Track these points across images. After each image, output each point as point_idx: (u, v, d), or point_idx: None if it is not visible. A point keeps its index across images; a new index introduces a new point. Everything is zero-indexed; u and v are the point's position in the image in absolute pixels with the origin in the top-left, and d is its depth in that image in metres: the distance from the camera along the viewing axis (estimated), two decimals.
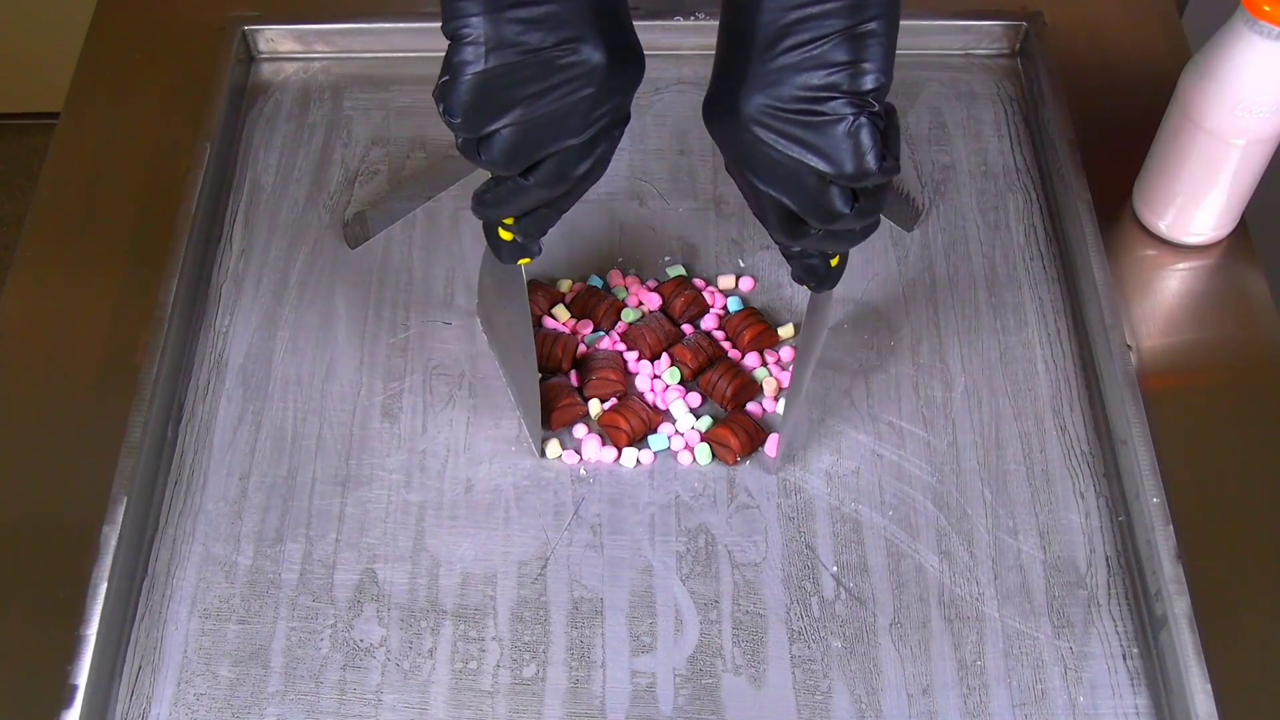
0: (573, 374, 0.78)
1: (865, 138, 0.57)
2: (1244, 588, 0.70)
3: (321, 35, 0.92)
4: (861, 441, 0.76)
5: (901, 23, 0.90)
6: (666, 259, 0.83)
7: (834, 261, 0.68)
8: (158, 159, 0.86)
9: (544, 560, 0.72)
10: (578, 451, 0.75)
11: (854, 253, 0.83)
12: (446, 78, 0.58)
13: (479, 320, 0.78)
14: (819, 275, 0.68)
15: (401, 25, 0.92)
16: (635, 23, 0.92)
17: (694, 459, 0.75)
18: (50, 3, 1.77)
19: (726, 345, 0.79)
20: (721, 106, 0.60)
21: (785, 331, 0.80)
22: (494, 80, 0.58)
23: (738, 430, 0.74)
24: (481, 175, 0.65)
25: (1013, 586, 0.71)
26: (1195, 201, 0.79)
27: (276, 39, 0.93)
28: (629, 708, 0.67)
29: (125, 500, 0.71)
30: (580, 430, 0.76)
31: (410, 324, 0.81)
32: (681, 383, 0.78)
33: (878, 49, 0.57)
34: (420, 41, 0.92)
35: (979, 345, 0.80)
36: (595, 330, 0.79)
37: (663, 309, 0.80)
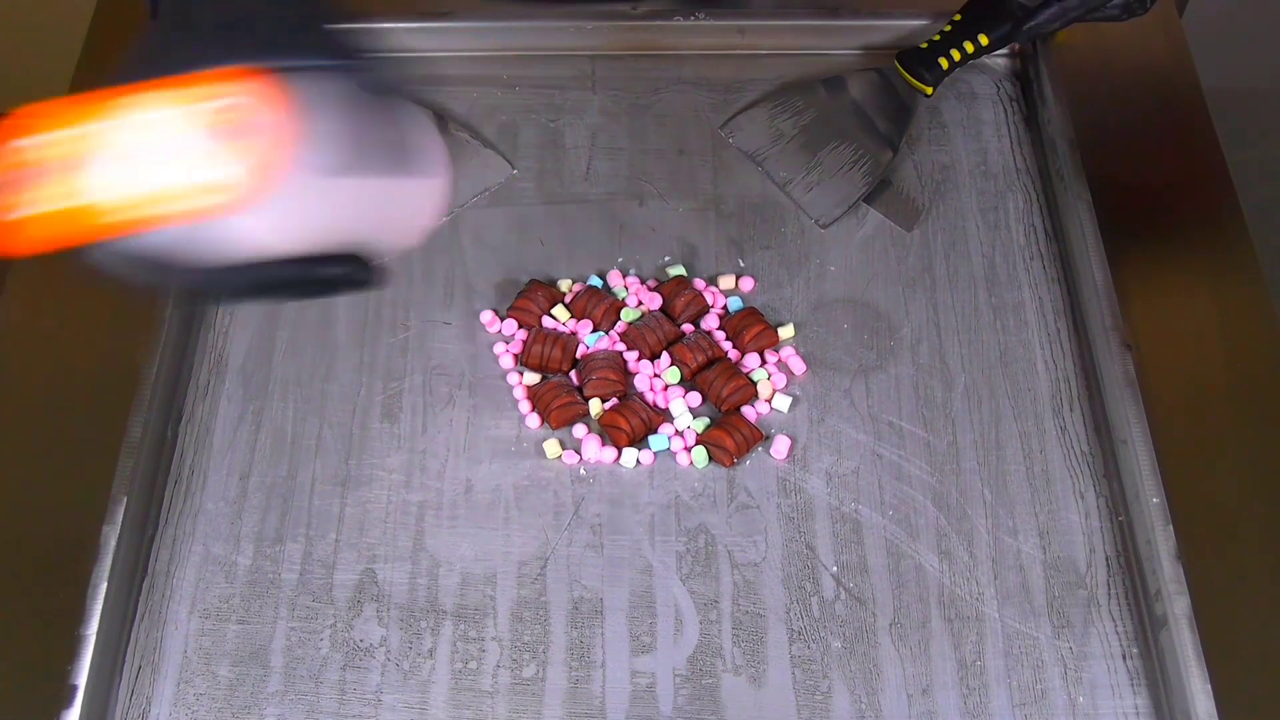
0: (573, 374, 0.78)
1: None
2: (1244, 588, 0.70)
3: None
4: (861, 441, 0.76)
5: (901, 23, 0.92)
6: (666, 259, 0.83)
7: None
8: None
9: (544, 560, 0.72)
10: (578, 451, 0.75)
11: (854, 252, 0.84)
12: None
13: None
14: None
15: (400, 25, 0.92)
16: (635, 23, 0.92)
17: (691, 461, 0.75)
18: (50, 3, 1.77)
19: (726, 345, 0.79)
20: None
21: (785, 332, 0.80)
22: None
23: (733, 432, 0.74)
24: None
25: (1013, 586, 0.71)
26: None
27: None
28: (629, 708, 0.67)
29: (125, 500, 0.71)
30: (580, 430, 0.76)
31: (410, 324, 0.81)
32: (681, 382, 0.78)
33: None
34: (419, 41, 0.92)
35: (979, 345, 0.80)
36: (595, 330, 0.79)
37: (663, 309, 0.80)
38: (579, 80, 0.92)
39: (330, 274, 0.54)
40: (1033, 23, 0.85)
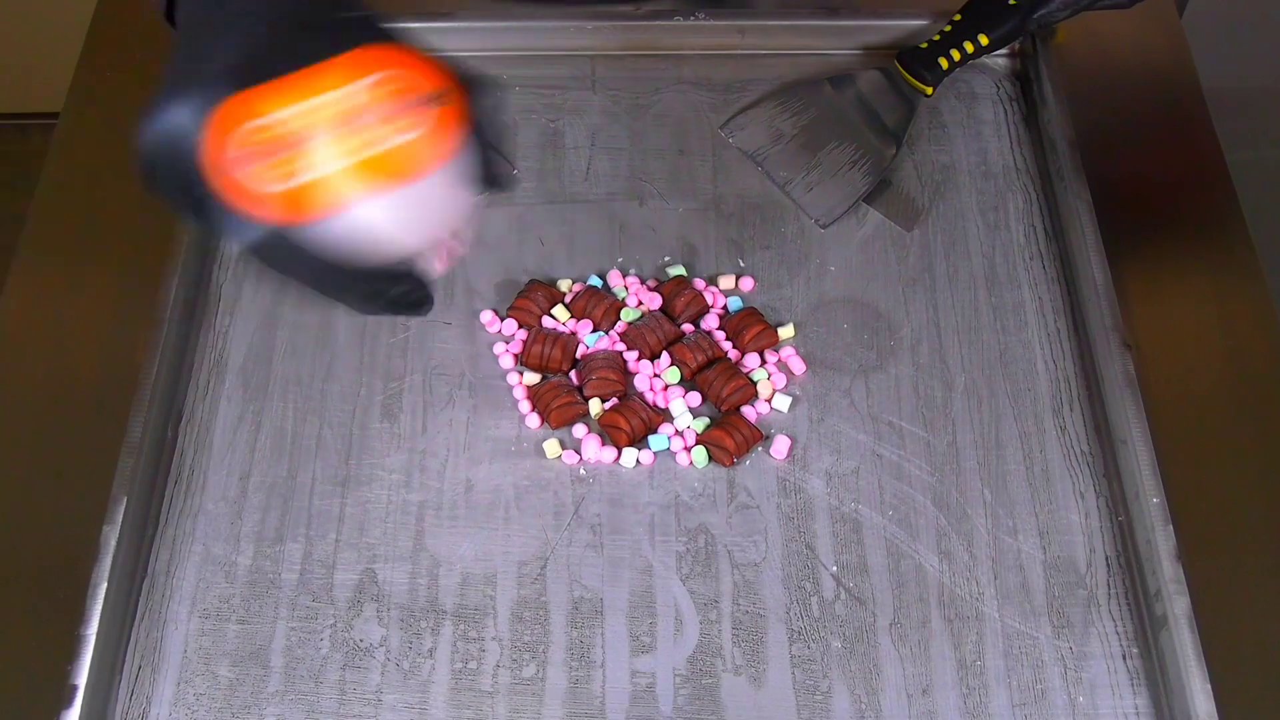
0: (573, 374, 0.78)
1: None
2: (1244, 588, 0.70)
3: None
4: (861, 441, 0.76)
5: (901, 23, 0.92)
6: (666, 259, 0.83)
7: None
8: None
9: (544, 560, 0.72)
10: (578, 451, 0.75)
11: (854, 252, 0.84)
12: None
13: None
14: None
15: (400, 25, 0.92)
16: (635, 23, 0.92)
17: (691, 461, 0.75)
18: (50, 3, 1.77)
19: (726, 345, 0.79)
20: None
21: (785, 332, 0.80)
22: None
23: (733, 432, 0.74)
24: None
25: (1013, 586, 0.71)
26: None
27: None
28: (629, 708, 0.67)
29: (125, 500, 0.71)
30: (580, 430, 0.76)
31: (410, 324, 0.81)
32: (681, 382, 0.78)
33: None
34: (419, 42, 0.92)
35: (979, 345, 0.80)
36: (595, 330, 0.79)
37: (663, 309, 0.80)
38: (579, 80, 0.92)
39: (396, 292, 0.56)
40: (1042, 11, 0.85)
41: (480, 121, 0.55)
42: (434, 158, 0.53)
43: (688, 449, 0.75)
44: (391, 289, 0.57)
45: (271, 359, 0.79)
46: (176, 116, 0.51)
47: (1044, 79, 0.88)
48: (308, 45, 0.52)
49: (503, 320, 0.80)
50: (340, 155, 0.51)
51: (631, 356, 0.78)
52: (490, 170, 0.56)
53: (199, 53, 0.53)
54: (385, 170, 0.52)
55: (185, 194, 0.53)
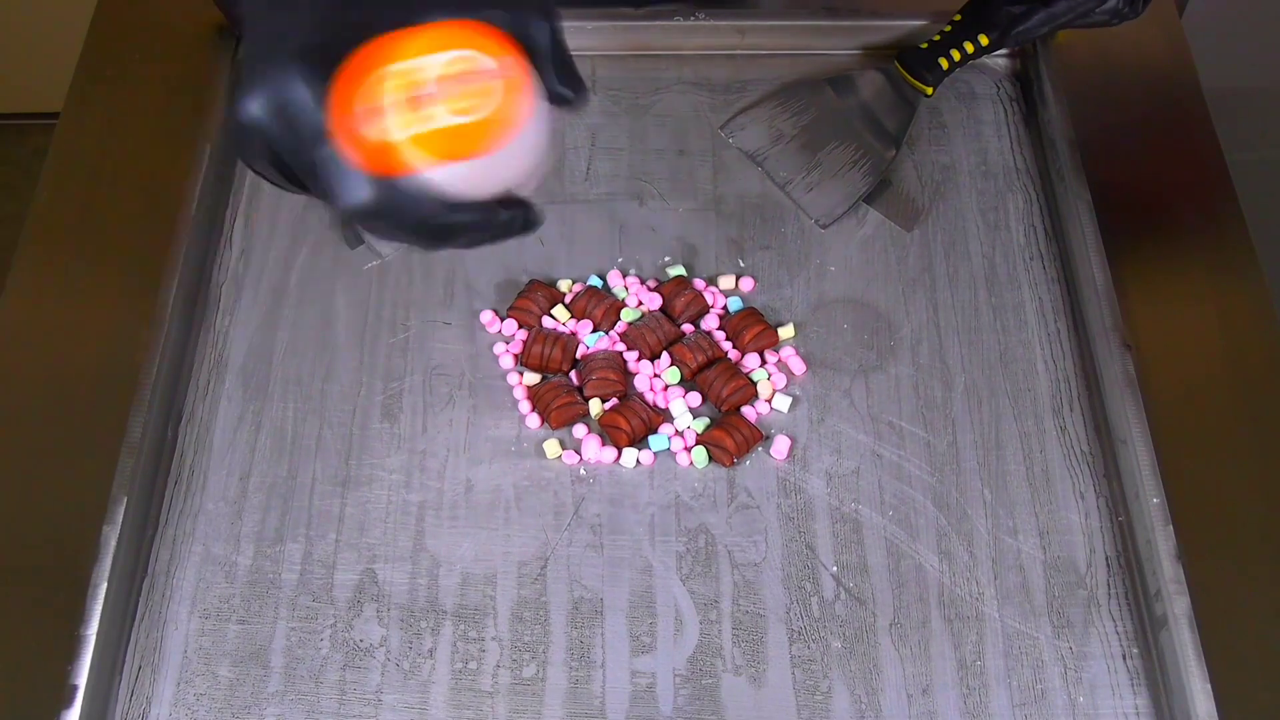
0: (573, 374, 0.78)
1: None
2: (1244, 588, 0.70)
3: None
4: (861, 441, 0.76)
5: (901, 24, 0.92)
6: (666, 259, 0.83)
7: None
8: (158, 159, 0.86)
9: (544, 560, 0.72)
10: (578, 451, 0.75)
11: (854, 252, 0.84)
12: None
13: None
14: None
15: None
16: (635, 23, 0.92)
17: (691, 461, 0.75)
18: (50, 3, 1.77)
19: (726, 345, 0.79)
20: None
21: (785, 332, 0.80)
22: None
23: (733, 432, 0.74)
24: None
25: (1013, 586, 0.71)
26: None
27: None
28: (629, 708, 0.68)
29: (125, 500, 0.71)
30: (580, 430, 0.76)
31: (410, 324, 0.81)
32: (681, 382, 0.78)
33: None
34: None
35: (979, 345, 0.80)
36: (595, 330, 0.79)
37: (663, 309, 0.80)
38: None
39: (507, 218, 0.58)
40: (1021, 28, 0.85)
41: (542, 54, 0.56)
42: (524, 108, 0.54)
43: (688, 449, 0.75)
44: (499, 218, 0.57)
45: (271, 359, 0.79)
46: (276, 88, 0.52)
47: (1044, 79, 0.88)
48: (382, 13, 0.53)
49: (503, 320, 0.80)
50: (455, 109, 0.52)
51: (631, 356, 0.78)
52: (559, 94, 0.57)
53: (277, 27, 0.54)
54: (495, 123, 0.53)
55: (294, 161, 0.53)
